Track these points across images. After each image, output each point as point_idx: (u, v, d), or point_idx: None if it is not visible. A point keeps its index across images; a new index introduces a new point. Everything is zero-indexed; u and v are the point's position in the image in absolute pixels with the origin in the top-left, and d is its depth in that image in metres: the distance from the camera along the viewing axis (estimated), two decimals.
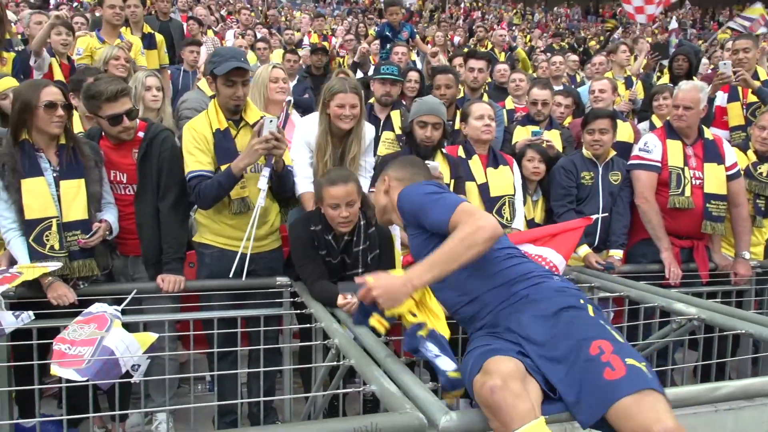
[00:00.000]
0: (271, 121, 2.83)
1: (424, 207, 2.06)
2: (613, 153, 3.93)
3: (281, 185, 3.06)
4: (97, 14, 6.77)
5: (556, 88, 6.01)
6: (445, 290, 2.13)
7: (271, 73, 3.82)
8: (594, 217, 3.44)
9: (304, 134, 3.28)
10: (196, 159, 2.92)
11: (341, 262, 2.92)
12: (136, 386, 2.87)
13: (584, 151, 3.90)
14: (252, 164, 2.90)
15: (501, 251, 2.07)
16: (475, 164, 3.63)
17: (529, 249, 3.01)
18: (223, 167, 2.90)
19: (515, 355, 1.79)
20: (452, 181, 3.43)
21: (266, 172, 2.91)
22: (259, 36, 8.42)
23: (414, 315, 2.00)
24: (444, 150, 3.55)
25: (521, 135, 4.35)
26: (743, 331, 2.48)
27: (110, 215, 2.92)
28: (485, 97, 5.02)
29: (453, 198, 2.05)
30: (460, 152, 3.68)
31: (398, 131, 4.21)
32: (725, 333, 2.66)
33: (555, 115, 4.68)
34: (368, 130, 3.35)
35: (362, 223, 2.91)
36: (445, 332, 2.05)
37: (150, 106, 3.91)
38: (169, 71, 5.93)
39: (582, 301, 1.91)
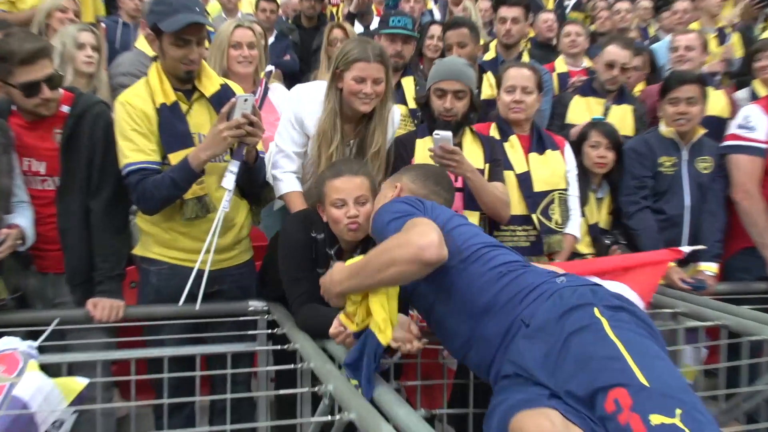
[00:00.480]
0: (245, 100, 2.79)
1: (384, 232, 2.27)
2: (701, 131, 3.89)
3: (251, 179, 3.05)
4: None
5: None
6: (448, 340, 2.33)
7: (232, 35, 3.79)
8: (685, 249, 3.35)
9: (297, 111, 3.23)
10: (135, 146, 2.88)
11: None
12: None
13: (663, 128, 3.88)
14: (217, 156, 2.88)
15: (492, 271, 2.18)
16: (513, 148, 3.62)
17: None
18: (173, 157, 2.88)
19: (546, 402, 1.83)
20: (487, 166, 3.42)
21: (234, 167, 2.88)
22: None
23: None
24: (474, 127, 3.53)
25: (580, 110, 4.33)
26: None
27: (23, 218, 2.91)
28: (525, 57, 5.01)
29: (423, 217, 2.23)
30: (493, 131, 3.67)
31: (412, 104, 4.19)
32: None
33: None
34: (395, 113, 3.35)
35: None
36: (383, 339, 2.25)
37: (82, 70, 3.89)
38: (103, 24, 5.92)
39: (596, 312, 1.94)
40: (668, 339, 3.08)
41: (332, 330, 2.54)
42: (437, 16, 7.26)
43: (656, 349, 1.87)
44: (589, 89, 4.49)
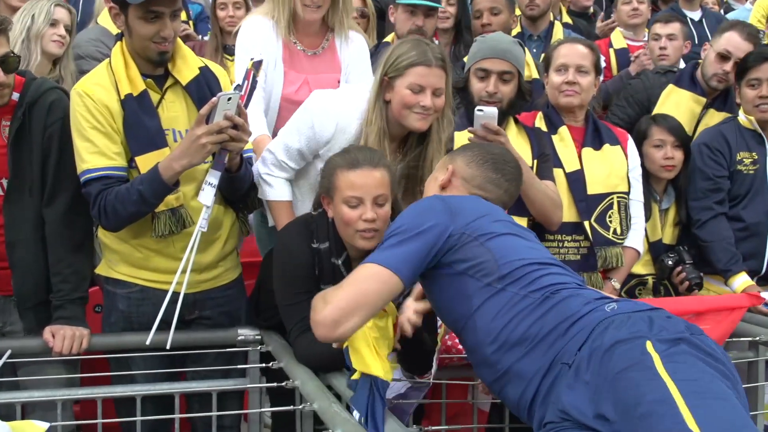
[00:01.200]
0: (229, 98, 2.75)
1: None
2: None
3: (234, 188, 3.03)
4: None
5: (693, 13, 5.94)
6: (481, 370, 2.38)
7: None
8: (765, 295, 3.34)
9: (322, 133, 3.12)
10: (96, 148, 2.85)
11: None
12: None
13: (741, 117, 3.87)
14: (195, 165, 2.84)
15: (533, 294, 2.21)
16: (564, 141, 3.63)
17: None
18: (142, 160, 2.86)
19: None
20: (535, 162, 3.43)
21: (213, 178, 2.83)
22: None
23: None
24: (518, 117, 3.54)
25: (672, 104, 4.21)
26: None
27: None
28: (558, 29, 5.02)
29: (396, 252, 2.30)
30: (539, 122, 3.67)
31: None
32: None
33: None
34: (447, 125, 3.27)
35: None
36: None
37: (50, 51, 3.92)
38: None
39: (648, 347, 1.96)
40: (746, 373, 3.10)
41: None
42: None
43: (719, 387, 1.89)
44: (689, 80, 4.31)
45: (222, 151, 2.81)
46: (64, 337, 2.90)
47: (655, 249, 3.77)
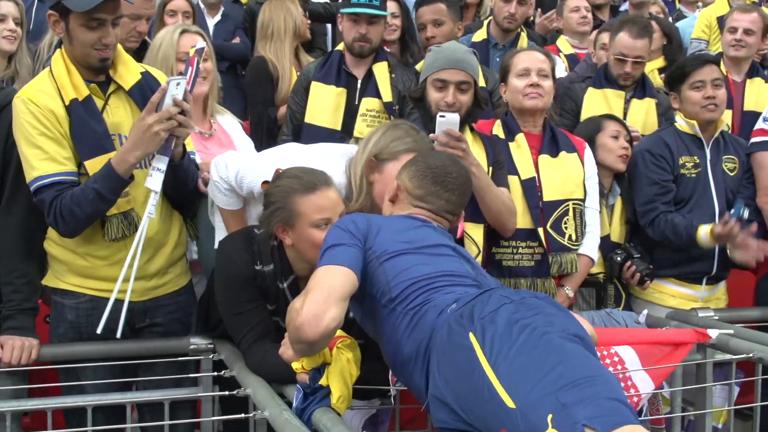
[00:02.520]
0: (177, 83, 2.76)
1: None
2: (723, 125, 3.96)
3: (178, 180, 3.00)
4: None
5: None
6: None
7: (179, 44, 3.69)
8: (712, 333, 3.29)
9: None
10: (46, 154, 2.82)
11: None
12: None
13: (680, 122, 3.93)
14: (149, 155, 2.82)
15: (409, 313, 2.33)
16: (520, 149, 3.65)
17: (627, 355, 3.03)
18: (90, 165, 2.84)
19: None
20: (490, 169, 3.44)
21: (161, 163, 2.82)
22: None
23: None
24: (474, 126, 3.55)
25: (597, 105, 4.33)
26: None
27: None
28: (523, 41, 5.06)
29: (338, 254, 2.35)
30: (497, 129, 3.69)
31: (387, 97, 4.21)
32: None
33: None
34: None
35: None
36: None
37: (2, 48, 3.91)
38: None
39: (471, 337, 2.07)
40: (695, 375, 3.14)
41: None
42: None
43: (521, 342, 2.00)
44: (604, 79, 4.45)
45: (169, 137, 2.80)
46: (13, 348, 2.88)
47: (604, 246, 3.80)
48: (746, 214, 3.62)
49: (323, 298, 2.21)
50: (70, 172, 2.85)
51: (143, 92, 2.92)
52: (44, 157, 2.82)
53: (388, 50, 4.59)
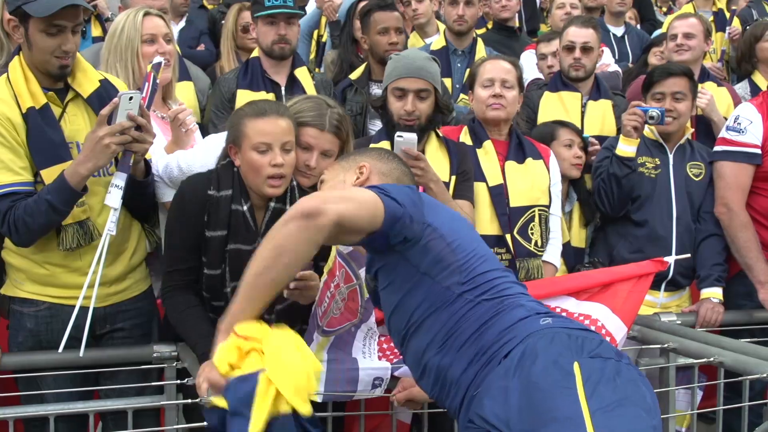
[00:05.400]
0: (130, 98, 2.76)
1: None
2: (690, 132, 4.01)
3: (140, 195, 3.03)
4: None
5: (616, 29, 6.06)
6: (421, 376, 2.34)
7: (142, 27, 3.60)
8: (669, 259, 3.44)
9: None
10: (1, 164, 2.81)
11: None
12: None
13: (645, 127, 3.96)
14: (100, 168, 2.83)
15: (488, 302, 2.19)
16: (488, 155, 3.66)
17: (569, 306, 3.08)
18: (47, 173, 2.82)
19: None
20: (453, 177, 3.45)
21: (119, 180, 2.83)
22: None
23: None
24: (440, 132, 3.57)
25: (553, 108, 4.38)
26: None
27: None
28: (480, 45, 5.10)
29: (385, 195, 2.15)
30: (464, 136, 3.71)
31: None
32: None
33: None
34: None
35: (294, 184, 2.97)
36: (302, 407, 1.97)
37: None
38: None
39: (576, 367, 1.98)
40: (658, 379, 3.16)
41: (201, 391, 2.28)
42: None
43: (628, 409, 1.94)
44: (559, 82, 4.50)
45: (126, 152, 2.81)
46: None
47: (566, 252, 3.84)
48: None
49: (340, 197, 2.10)
50: (25, 182, 2.84)
51: (101, 100, 2.90)
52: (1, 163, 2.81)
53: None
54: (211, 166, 3.05)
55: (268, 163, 2.79)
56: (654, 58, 5.20)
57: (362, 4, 5.16)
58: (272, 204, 2.92)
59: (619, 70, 5.35)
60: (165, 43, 3.53)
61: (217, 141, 3.22)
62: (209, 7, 6.76)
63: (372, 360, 2.89)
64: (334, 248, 2.91)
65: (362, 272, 2.86)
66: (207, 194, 2.86)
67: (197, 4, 6.72)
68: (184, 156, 3.19)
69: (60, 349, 2.83)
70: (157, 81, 2.94)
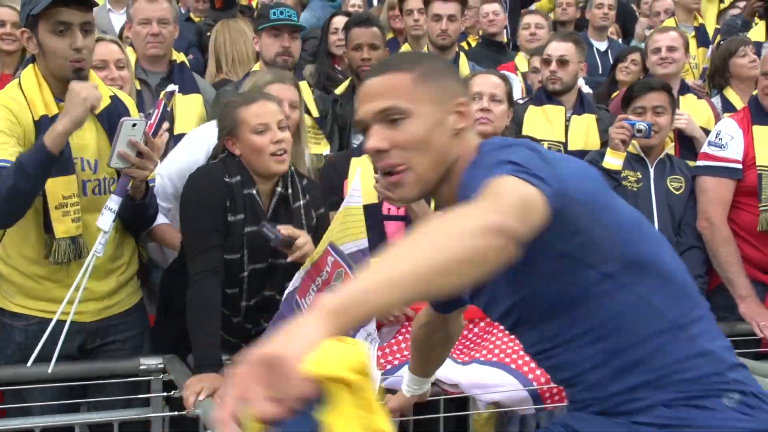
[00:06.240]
0: (134, 124, 2.76)
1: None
2: (670, 146, 4.06)
3: (137, 216, 3.05)
4: None
5: (600, 44, 6.12)
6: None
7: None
8: None
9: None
10: (5, 145, 2.75)
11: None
12: None
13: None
14: (78, 124, 2.72)
15: (680, 302, 1.87)
16: None
17: None
18: (49, 186, 2.79)
19: None
20: None
21: (114, 203, 2.82)
22: None
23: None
24: None
25: (538, 122, 4.42)
26: None
27: None
28: (464, 62, 5.14)
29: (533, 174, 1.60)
30: None
31: (315, 113, 4.27)
32: None
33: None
34: None
35: (293, 170, 3.12)
36: None
37: (3, 48, 3.97)
38: None
39: None
40: None
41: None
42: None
43: None
44: (543, 96, 4.53)
45: (124, 177, 2.81)
46: None
47: None
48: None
49: (521, 209, 1.49)
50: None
51: (111, 117, 2.91)
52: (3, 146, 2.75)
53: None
54: (201, 162, 3.16)
55: (269, 142, 2.92)
56: (621, 74, 5.26)
57: (337, 18, 5.34)
58: (278, 189, 3.06)
59: (591, 91, 5.38)
60: (116, 69, 3.54)
61: (195, 136, 3.45)
62: (196, 19, 6.76)
63: None
64: (323, 242, 2.99)
65: None
66: (224, 180, 2.96)
67: (184, 16, 6.75)
68: (168, 168, 3.25)
69: (50, 368, 2.81)
70: (168, 108, 2.96)
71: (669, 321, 1.79)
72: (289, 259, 2.95)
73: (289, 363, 1.18)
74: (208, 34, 5.50)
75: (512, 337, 2.98)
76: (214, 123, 3.39)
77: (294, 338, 1.23)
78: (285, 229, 2.92)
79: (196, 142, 3.43)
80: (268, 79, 3.45)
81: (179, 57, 4.48)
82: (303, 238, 2.95)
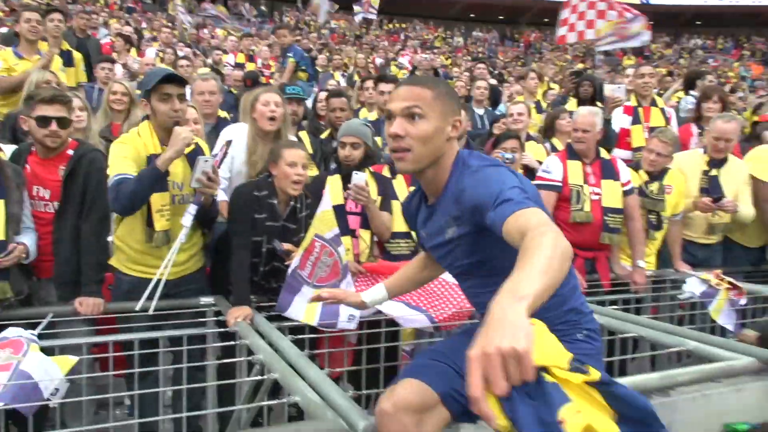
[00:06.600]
0: (206, 161, 2.80)
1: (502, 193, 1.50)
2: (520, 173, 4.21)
3: (205, 215, 3.03)
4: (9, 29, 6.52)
5: (479, 110, 6.29)
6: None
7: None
8: None
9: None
10: (127, 164, 2.76)
11: (281, 227, 3.10)
12: (51, 413, 2.74)
13: None
14: (180, 154, 2.76)
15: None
16: (399, 184, 3.72)
17: (448, 276, 3.10)
18: (153, 198, 2.82)
19: (442, 380, 1.69)
20: (380, 198, 3.52)
21: (192, 209, 2.85)
22: (181, 54, 8.34)
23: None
24: (371, 168, 3.62)
25: None
26: (635, 335, 2.75)
27: (28, 239, 2.85)
28: None
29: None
30: (386, 172, 3.77)
31: (310, 149, 4.27)
32: (622, 336, 2.85)
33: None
34: None
35: (303, 194, 3.16)
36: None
37: (75, 127, 3.82)
38: (84, 88, 5.79)
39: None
40: None
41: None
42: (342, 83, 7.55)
43: None
44: None
45: (199, 193, 2.85)
46: (89, 305, 2.87)
47: None
48: None
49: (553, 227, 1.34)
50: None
51: (194, 157, 2.89)
52: (125, 164, 2.77)
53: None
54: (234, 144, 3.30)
55: (294, 173, 2.98)
56: (496, 129, 5.31)
57: (321, 93, 5.47)
58: (291, 203, 3.10)
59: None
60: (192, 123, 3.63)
61: (230, 130, 3.54)
62: (234, 91, 6.78)
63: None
64: (309, 233, 3.01)
65: (341, 249, 3.03)
66: (253, 195, 3.02)
67: (227, 90, 6.73)
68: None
69: (138, 306, 2.83)
70: (226, 152, 3.03)
71: (566, 285, 1.72)
72: (286, 263, 3.03)
73: (527, 358, 0.97)
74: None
75: (428, 290, 3.12)
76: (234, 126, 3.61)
77: (515, 330, 1.00)
78: (286, 246, 3.05)
79: (226, 134, 3.59)
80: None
81: (222, 114, 4.53)
82: (295, 252, 3.02)
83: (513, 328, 1.00)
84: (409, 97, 1.68)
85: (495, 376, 0.96)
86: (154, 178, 2.72)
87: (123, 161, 2.78)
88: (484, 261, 1.69)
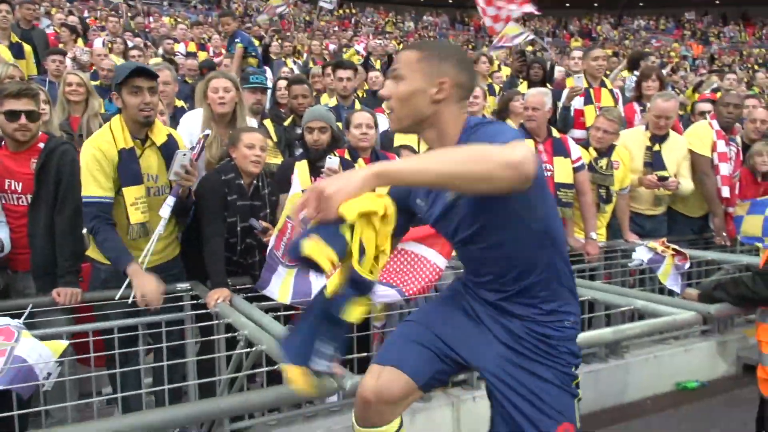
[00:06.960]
0: (184, 154, 2.87)
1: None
2: None
3: (182, 208, 3.09)
4: None
5: None
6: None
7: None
8: None
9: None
10: (97, 183, 2.82)
11: (249, 206, 3.23)
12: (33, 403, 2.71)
13: None
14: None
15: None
16: (360, 167, 3.77)
17: (416, 249, 3.09)
18: (127, 191, 2.87)
19: (424, 369, 1.76)
20: None
21: (171, 201, 2.91)
22: (131, 44, 8.21)
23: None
24: (336, 152, 3.68)
25: (399, 137, 4.49)
26: (590, 298, 3.01)
27: (1, 232, 2.89)
28: (357, 105, 5.16)
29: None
30: (346, 155, 3.82)
31: (274, 137, 4.34)
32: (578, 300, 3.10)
33: None
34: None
35: (263, 173, 3.32)
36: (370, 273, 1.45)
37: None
38: (34, 82, 5.68)
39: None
40: None
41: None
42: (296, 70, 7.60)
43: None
44: None
45: (176, 185, 2.92)
46: (66, 295, 2.91)
47: None
48: None
49: (530, 158, 1.35)
50: (108, 197, 2.85)
51: (168, 148, 2.98)
52: (95, 185, 2.82)
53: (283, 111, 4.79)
54: (193, 130, 3.49)
55: (252, 154, 3.13)
56: None
57: (279, 82, 5.54)
58: (254, 182, 3.24)
59: None
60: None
61: (188, 117, 3.67)
62: (189, 81, 6.74)
63: (320, 279, 3.01)
64: (282, 217, 3.12)
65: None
66: (221, 180, 3.13)
67: (182, 79, 6.72)
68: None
69: (117, 297, 2.83)
70: (204, 144, 3.13)
71: (562, 275, 1.76)
72: (264, 239, 3.17)
73: (333, 198, 1.27)
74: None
75: (397, 268, 3.18)
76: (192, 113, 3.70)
77: (342, 181, 1.29)
78: (264, 223, 3.18)
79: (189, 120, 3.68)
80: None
81: (179, 103, 4.56)
82: (271, 230, 3.16)
83: (339, 179, 1.29)
84: (396, 60, 1.71)
85: (306, 205, 1.28)
86: (113, 261, 2.84)
87: (93, 182, 2.82)
88: (486, 226, 1.65)
